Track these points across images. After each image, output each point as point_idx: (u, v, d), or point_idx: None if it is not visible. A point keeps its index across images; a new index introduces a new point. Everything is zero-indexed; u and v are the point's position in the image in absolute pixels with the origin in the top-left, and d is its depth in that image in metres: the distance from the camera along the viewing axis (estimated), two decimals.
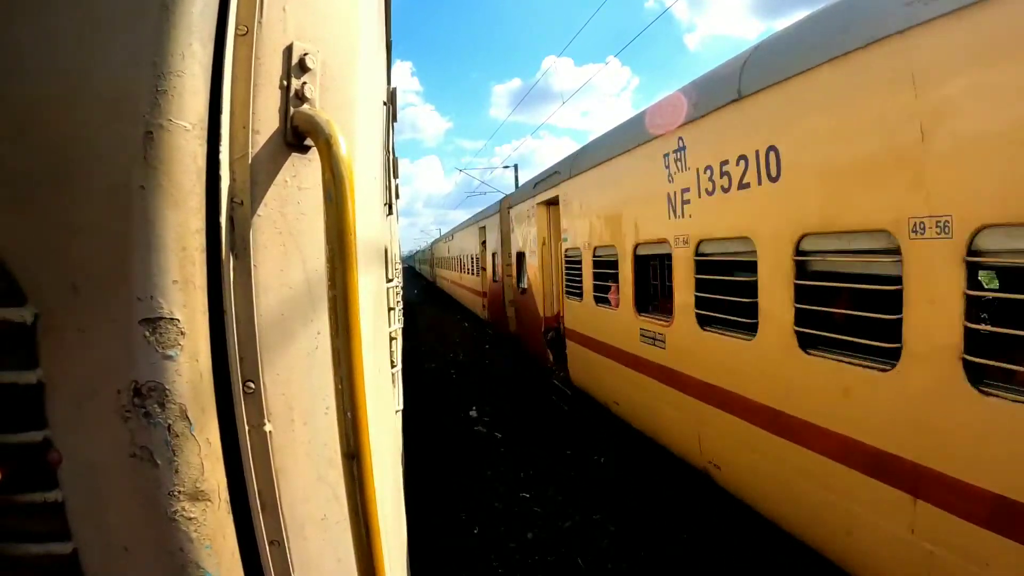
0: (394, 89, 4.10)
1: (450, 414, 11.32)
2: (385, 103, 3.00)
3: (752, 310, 4.98)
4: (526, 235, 13.97)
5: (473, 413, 11.30)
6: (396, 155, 4.93)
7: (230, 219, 1.21)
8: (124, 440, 1.08)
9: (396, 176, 4.84)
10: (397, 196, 4.81)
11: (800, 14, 5.35)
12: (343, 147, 1.16)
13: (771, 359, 4.81)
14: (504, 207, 16.87)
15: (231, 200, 1.22)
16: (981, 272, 3.52)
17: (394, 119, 4.38)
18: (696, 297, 5.90)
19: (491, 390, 13.10)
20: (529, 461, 8.77)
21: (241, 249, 1.23)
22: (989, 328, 3.28)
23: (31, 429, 1.08)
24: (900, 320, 3.58)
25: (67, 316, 1.07)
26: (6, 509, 1.10)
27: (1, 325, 1.06)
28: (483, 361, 16.86)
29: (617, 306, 8.16)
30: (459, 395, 12.74)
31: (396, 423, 2.78)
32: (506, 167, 38.81)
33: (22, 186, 1.04)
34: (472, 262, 24.15)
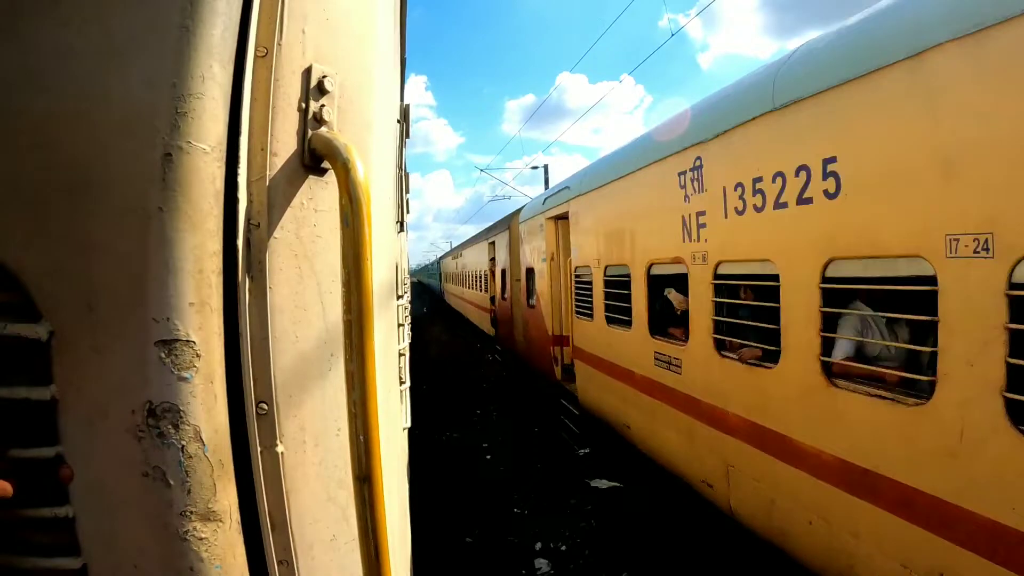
0: (407, 106, 4.12)
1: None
2: (399, 121, 3.01)
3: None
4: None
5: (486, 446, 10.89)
6: (407, 171, 4.95)
7: (247, 241, 1.22)
8: (137, 459, 1.09)
9: (407, 191, 4.86)
10: (408, 211, 4.82)
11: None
12: (360, 171, 1.16)
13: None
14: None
15: (248, 222, 1.22)
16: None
17: (407, 135, 4.40)
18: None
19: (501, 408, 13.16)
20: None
21: (257, 272, 1.23)
22: None
23: (43, 445, 1.08)
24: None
25: (82, 334, 1.07)
26: (16, 523, 1.10)
27: (16, 341, 1.06)
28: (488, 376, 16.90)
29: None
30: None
31: (403, 441, 2.78)
32: (534, 168, 34.39)
33: (40, 203, 1.05)
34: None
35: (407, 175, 4.80)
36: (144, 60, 1.09)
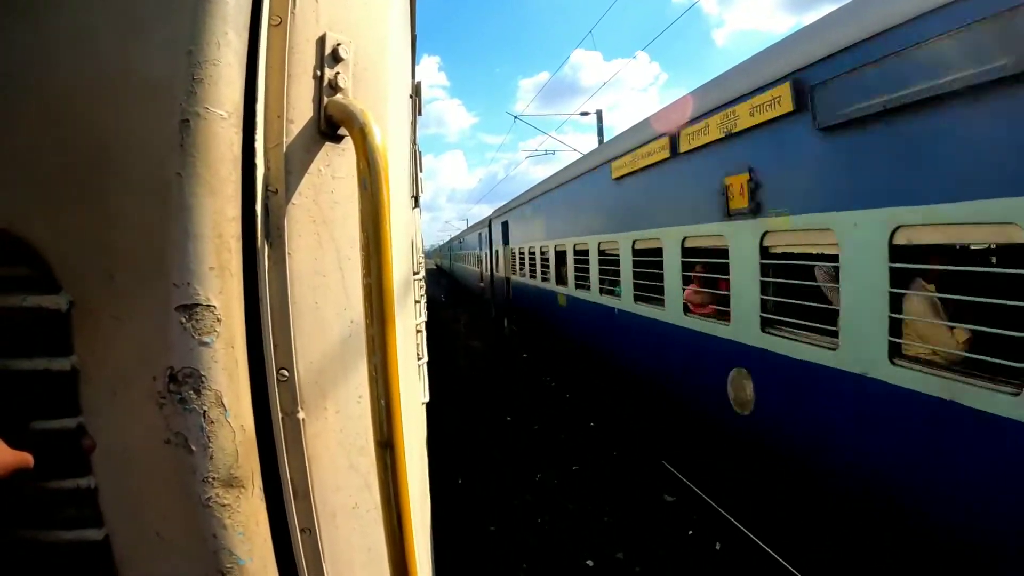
0: (419, 83, 4.11)
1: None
2: (411, 96, 3.01)
3: None
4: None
5: None
6: (420, 149, 4.95)
7: (265, 207, 1.22)
8: (159, 426, 1.09)
9: (421, 170, 4.86)
10: (421, 190, 4.82)
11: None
12: (378, 136, 1.16)
13: None
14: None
15: (266, 188, 1.22)
16: None
17: (419, 113, 4.39)
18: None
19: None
20: None
21: (276, 237, 1.24)
22: None
23: (65, 416, 1.09)
24: None
25: (102, 303, 1.07)
26: (38, 495, 1.11)
27: (36, 312, 1.07)
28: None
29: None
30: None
31: (422, 415, 2.79)
32: (584, 114, 25.26)
33: (58, 175, 1.05)
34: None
35: (420, 153, 4.80)
36: (160, 29, 1.08)
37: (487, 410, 11.85)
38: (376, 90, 1.40)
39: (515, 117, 25.82)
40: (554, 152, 30.81)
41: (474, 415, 11.68)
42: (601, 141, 22.63)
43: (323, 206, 1.29)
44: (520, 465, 9.26)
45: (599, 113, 24.82)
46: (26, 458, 1.02)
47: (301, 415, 1.26)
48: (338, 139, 1.31)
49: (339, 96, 1.29)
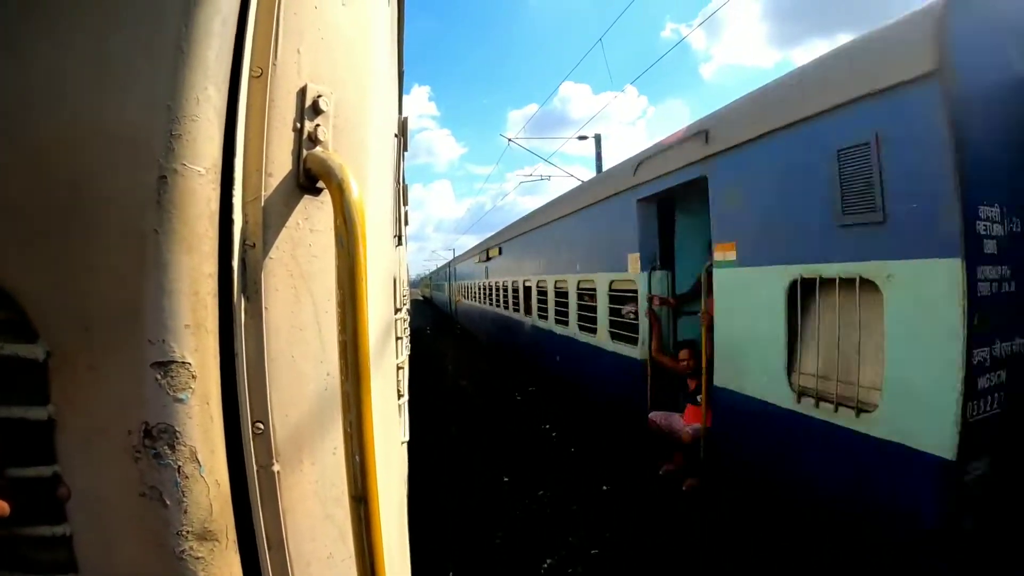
0: (405, 119, 4.14)
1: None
2: (396, 135, 3.03)
3: None
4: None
5: None
6: (406, 183, 4.97)
7: (242, 262, 1.22)
8: (134, 479, 1.09)
9: (406, 203, 4.87)
10: (406, 223, 4.83)
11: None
12: (355, 191, 1.17)
13: None
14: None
15: (243, 243, 1.23)
16: None
17: (405, 148, 4.41)
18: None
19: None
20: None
21: (253, 292, 1.24)
22: None
23: (41, 464, 1.08)
24: None
25: (79, 354, 1.07)
26: (15, 541, 1.10)
27: (13, 361, 1.07)
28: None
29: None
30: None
31: (402, 454, 2.78)
32: (582, 138, 24.10)
33: (35, 225, 1.05)
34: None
35: (405, 187, 4.82)
36: (139, 82, 1.09)
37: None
38: (357, 141, 1.41)
39: (508, 140, 25.07)
40: (549, 177, 30.56)
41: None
42: (600, 168, 22.68)
43: (301, 260, 1.29)
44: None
45: (598, 137, 23.96)
46: (1, 505, 1.02)
47: (276, 468, 1.26)
48: (317, 192, 1.31)
49: (318, 149, 1.29)
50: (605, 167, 17.05)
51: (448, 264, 39.31)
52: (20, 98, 1.05)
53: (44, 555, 1.11)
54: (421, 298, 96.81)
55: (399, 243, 3.47)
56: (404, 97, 4.96)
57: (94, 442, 1.09)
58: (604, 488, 8.30)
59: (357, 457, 1.14)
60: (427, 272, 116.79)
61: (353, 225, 1.15)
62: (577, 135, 24.34)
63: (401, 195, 4.12)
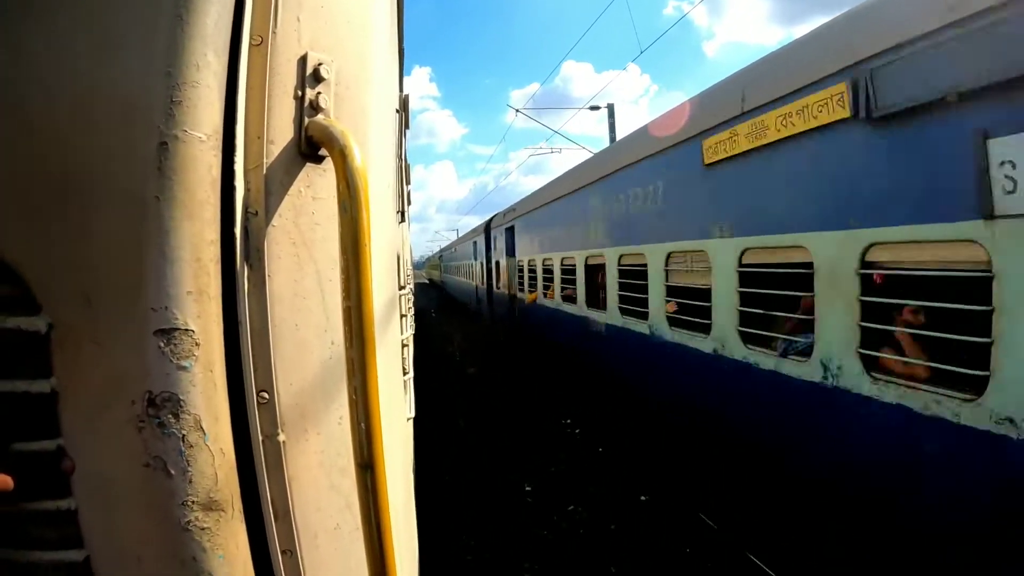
0: (406, 96, 4.11)
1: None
2: (398, 110, 3.00)
3: None
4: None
5: None
6: (408, 161, 4.94)
7: (244, 229, 1.22)
8: (138, 450, 1.08)
9: (408, 183, 4.85)
10: (409, 202, 4.81)
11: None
12: (358, 158, 1.16)
13: None
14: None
15: (246, 210, 1.22)
16: None
17: (406, 126, 4.38)
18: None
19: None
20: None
21: (255, 259, 1.23)
22: None
23: (45, 438, 1.08)
24: None
25: (81, 326, 1.07)
26: (19, 517, 1.10)
27: (16, 334, 1.06)
28: None
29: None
30: None
31: (408, 431, 2.78)
32: (594, 108, 22.35)
33: (36, 195, 1.04)
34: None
35: (408, 165, 4.79)
36: (139, 50, 1.07)
37: None
38: (358, 109, 1.40)
39: (516, 111, 24.31)
40: (560, 150, 29.06)
41: None
42: (613, 139, 20.71)
43: (303, 227, 1.29)
44: None
45: (611, 107, 22.11)
46: (5, 480, 1.02)
47: (282, 437, 1.25)
48: (319, 160, 1.30)
49: (320, 117, 1.28)
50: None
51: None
52: (19, 72, 1.04)
53: (49, 530, 1.11)
54: (427, 281, 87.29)
55: (402, 219, 3.46)
56: (405, 79, 4.92)
57: (97, 414, 1.08)
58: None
59: (363, 424, 1.13)
60: (432, 252, 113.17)
61: (356, 191, 1.14)
62: (588, 105, 23.14)
63: (404, 173, 4.10)
